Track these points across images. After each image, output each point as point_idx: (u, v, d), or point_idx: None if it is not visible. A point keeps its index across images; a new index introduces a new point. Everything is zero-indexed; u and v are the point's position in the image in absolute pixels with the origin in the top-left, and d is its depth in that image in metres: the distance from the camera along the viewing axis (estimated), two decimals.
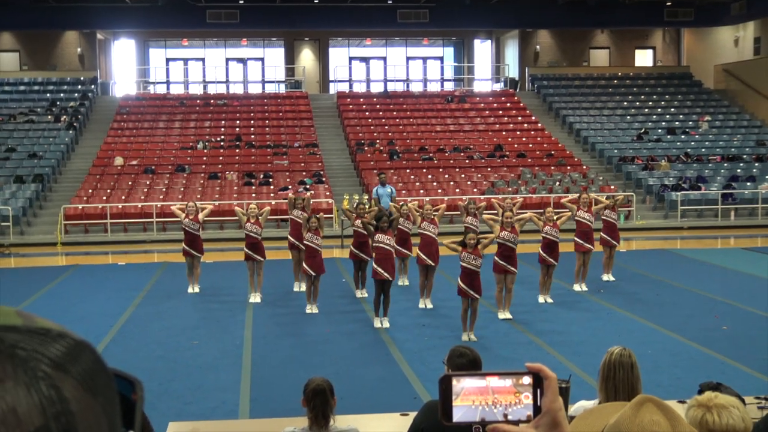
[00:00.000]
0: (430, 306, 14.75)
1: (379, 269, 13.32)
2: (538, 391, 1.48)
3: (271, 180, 29.39)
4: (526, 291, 15.66)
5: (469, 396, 1.47)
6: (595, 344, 11.73)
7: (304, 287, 15.11)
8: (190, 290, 16.47)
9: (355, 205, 17.39)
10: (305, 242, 14.43)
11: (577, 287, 16.23)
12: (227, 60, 41.79)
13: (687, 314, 14.17)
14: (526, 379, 1.49)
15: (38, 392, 0.78)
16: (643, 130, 34.47)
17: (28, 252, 24.19)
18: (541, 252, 15.13)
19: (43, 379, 0.79)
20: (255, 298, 15.51)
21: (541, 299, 15.04)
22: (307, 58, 41.47)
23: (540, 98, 38.16)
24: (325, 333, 13.13)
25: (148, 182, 29.05)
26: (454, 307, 13.97)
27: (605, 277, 17.18)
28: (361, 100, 37.36)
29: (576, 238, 16.39)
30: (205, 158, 31.25)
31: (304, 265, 14.51)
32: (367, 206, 17.24)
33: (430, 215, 15.12)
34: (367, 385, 10.29)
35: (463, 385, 1.47)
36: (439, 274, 15.55)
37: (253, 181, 29.37)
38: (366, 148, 32.02)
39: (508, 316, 13.72)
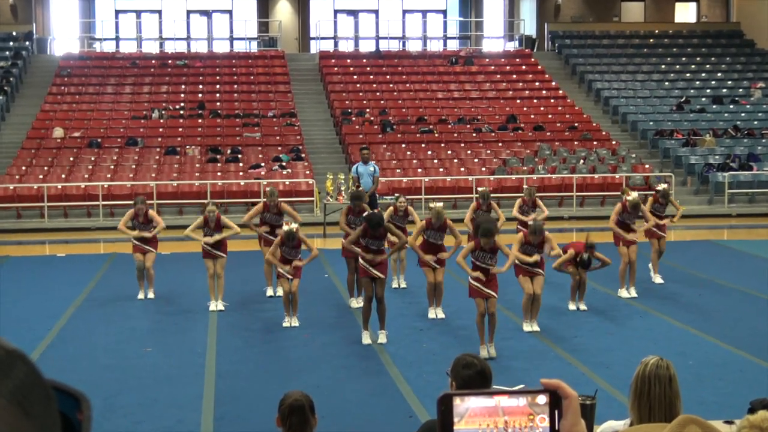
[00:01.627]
0: (441, 315, 14.28)
1: (366, 265, 12.89)
2: (556, 412, 1.49)
3: (240, 156, 29.35)
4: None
5: (476, 418, 1.47)
6: (626, 353, 11.76)
7: (280, 291, 14.72)
8: (140, 296, 16.00)
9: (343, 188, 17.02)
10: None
11: (624, 293, 15.83)
12: (188, 12, 41.64)
13: (735, 318, 14.22)
14: (542, 398, 1.49)
15: None
16: (683, 99, 34.50)
17: None
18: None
19: None
20: (217, 305, 14.99)
21: (572, 306, 14.87)
22: (284, 10, 41.34)
23: (561, 60, 38.14)
24: (303, 338, 13.14)
25: (93, 158, 28.99)
26: (457, 309, 13.97)
27: (654, 276, 17.08)
28: (348, 61, 37.30)
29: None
30: (161, 129, 31.19)
31: (278, 269, 13.95)
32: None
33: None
34: (353, 401, 10.31)
35: (467, 405, 1.47)
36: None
37: (218, 157, 29.33)
38: (353, 119, 32.00)
39: (536, 328, 13.35)
